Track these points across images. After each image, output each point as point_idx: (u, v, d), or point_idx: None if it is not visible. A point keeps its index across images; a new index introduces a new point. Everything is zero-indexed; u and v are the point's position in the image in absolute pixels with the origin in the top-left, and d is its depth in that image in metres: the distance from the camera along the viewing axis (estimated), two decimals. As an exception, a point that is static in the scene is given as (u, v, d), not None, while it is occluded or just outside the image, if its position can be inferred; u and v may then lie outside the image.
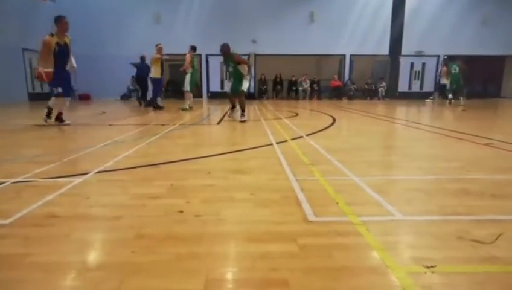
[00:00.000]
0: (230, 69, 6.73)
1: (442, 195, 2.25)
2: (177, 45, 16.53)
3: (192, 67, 9.46)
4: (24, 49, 14.23)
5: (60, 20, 5.78)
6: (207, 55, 17.30)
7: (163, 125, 6.17)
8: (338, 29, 16.96)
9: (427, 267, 1.33)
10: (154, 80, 10.08)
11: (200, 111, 10.02)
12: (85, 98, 16.45)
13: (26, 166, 2.95)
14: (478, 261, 1.39)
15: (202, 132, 5.69)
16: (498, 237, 1.58)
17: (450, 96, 11.74)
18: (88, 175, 2.64)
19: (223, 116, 7.85)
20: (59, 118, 6.10)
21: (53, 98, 5.95)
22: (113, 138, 4.51)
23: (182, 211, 1.90)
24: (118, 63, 16.26)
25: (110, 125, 6.15)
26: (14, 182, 2.45)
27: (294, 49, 16.91)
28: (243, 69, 6.62)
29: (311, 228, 1.70)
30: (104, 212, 1.93)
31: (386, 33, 16.94)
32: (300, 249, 1.48)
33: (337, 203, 2.04)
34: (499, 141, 4.27)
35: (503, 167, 3.02)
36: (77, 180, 2.50)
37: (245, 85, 6.69)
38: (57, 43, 5.71)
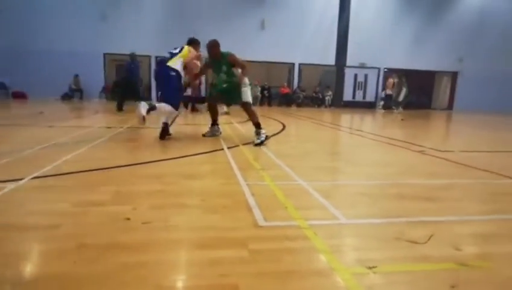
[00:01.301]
0: (224, 76, 4.93)
1: (382, 199, 2.41)
2: (123, 45, 15.93)
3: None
4: None
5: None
6: (156, 57, 16.82)
7: (109, 128, 5.88)
8: (288, 38, 17.46)
9: (369, 267, 1.41)
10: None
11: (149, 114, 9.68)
12: (20, 96, 15.12)
13: None
14: (413, 260, 1.51)
15: (151, 135, 5.50)
16: (430, 237, 1.73)
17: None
18: (23, 181, 2.43)
19: (173, 120, 7.67)
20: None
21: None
22: (53, 140, 4.20)
23: (128, 218, 1.82)
24: (59, 60, 15.22)
25: (49, 126, 5.72)
26: None
27: (245, 55, 17.03)
28: (237, 72, 4.87)
29: (261, 233, 1.73)
30: (40, 221, 1.78)
31: (332, 44, 17.78)
32: (250, 254, 1.50)
33: (286, 207, 2.09)
34: (430, 148, 4.67)
35: (434, 172, 3.32)
36: (10, 186, 2.29)
37: (248, 94, 4.92)
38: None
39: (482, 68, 18.79)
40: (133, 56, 9.88)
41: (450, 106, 19.48)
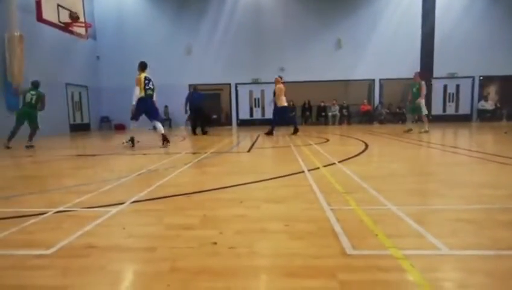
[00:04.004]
0: None
1: (491, 227, 2.09)
2: (206, 75, 17.15)
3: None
4: (67, 84, 15.25)
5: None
6: (236, 84, 17.73)
7: (194, 153, 6.28)
8: (366, 54, 16.95)
9: (484, 309, 1.21)
10: (282, 108, 10.60)
11: (230, 139, 10.14)
12: (120, 127, 17.20)
13: (66, 196, 3.06)
14: (542, 303, 1.25)
15: (233, 159, 5.72)
16: (562, 275, 1.43)
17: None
18: (124, 205, 2.70)
19: (253, 144, 7.90)
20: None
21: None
22: (147, 167, 4.63)
23: (215, 243, 1.88)
24: (152, 94, 17.01)
25: (143, 154, 6.34)
26: (56, 212, 2.55)
27: (322, 75, 17.01)
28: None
29: (350, 262, 1.62)
30: (139, 244, 1.94)
31: (416, 56, 16.71)
32: (341, 286, 1.41)
33: (377, 235, 1.94)
34: (549, 165, 3.97)
35: (558, 195, 2.79)
36: (114, 210, 2.56)
37: None
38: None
39: None
40: (195, 87, 11.94)
41: None
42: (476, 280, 1.45)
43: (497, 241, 1.84)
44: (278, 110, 10.47)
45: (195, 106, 11.51)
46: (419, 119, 10.36)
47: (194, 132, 11.66)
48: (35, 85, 8.18)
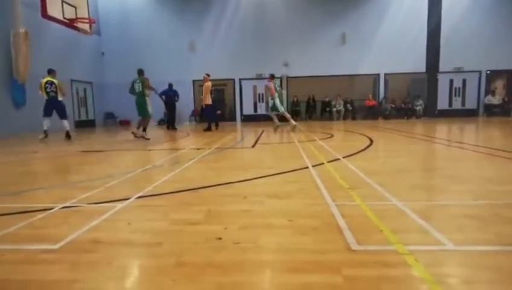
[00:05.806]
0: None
1: (497, 222, 2.08)
2: (210, 71, 17.10)
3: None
4: (72, 80, 15.31)
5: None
6: (240, 80, 17.70)
7: (199, 149, 6.30)
8: (371, 49, 16.81)
9: (489, 305, 1.21)
10: (207, 107, 11.06)
11: (234, 134, 10.15)
12: (125, 123, 17.28)
13: (73, 191, 3.09)
14: (548, 299, 1.25)
15: (237, 155, 5.73)
16: None
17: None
18: (129, 200, 2.72)
19: (257, 140, 7.90)
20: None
21: None
22: (152, 162, 4.65)
23: (220, 238, 1.89)
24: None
25: (149, 150, 6.37)
26: (62, 207, 2.57)
27: (327, 71, 16.92)
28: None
29: (355, 258, 1.62)
30: (145, 239, 1.96)
31: (421, 50, 16.57)
32: (345, 281, 1.41)
33: (381, 230, 1.94)
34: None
35: None
36: (119, 205, 2.58)
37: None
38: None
39: None
40: (170, 85, 12.58)
41: None
42: (481, 275, 1.45)
43: (502, 237, 1.83)
44: (207, 108, 10.98)
45: (171, 103, 12.32)
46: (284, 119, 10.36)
47: (168, 128, 12.37)
48: (138, 73, 8.61)
